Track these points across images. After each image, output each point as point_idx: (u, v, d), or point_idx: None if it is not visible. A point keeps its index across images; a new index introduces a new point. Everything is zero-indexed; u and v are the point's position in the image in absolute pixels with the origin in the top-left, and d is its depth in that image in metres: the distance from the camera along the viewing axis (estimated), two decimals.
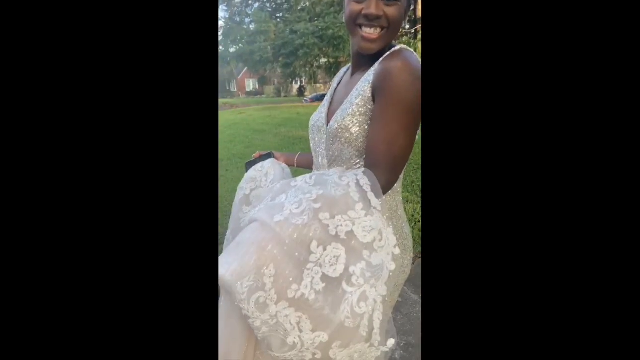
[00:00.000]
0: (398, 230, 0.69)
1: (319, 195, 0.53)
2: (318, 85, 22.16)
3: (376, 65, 0.63)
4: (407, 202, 2.65)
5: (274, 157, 0.86)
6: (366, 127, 0.63)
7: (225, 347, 0.57)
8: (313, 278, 0.49)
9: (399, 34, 0.68)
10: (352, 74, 0.73)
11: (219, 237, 0.59)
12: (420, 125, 0.60)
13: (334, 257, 0.50)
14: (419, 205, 2.57)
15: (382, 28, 0.62)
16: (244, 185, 0.77)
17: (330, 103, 0.75)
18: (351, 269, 0.49)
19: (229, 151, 5.12)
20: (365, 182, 0.55)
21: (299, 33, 13.19)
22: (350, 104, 0.64)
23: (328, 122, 0.71)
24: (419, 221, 2.34)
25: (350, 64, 0.77)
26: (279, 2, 17.11)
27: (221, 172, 4.02)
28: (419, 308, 1.61)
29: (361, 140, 0.64)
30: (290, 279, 0.49)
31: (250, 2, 17.26)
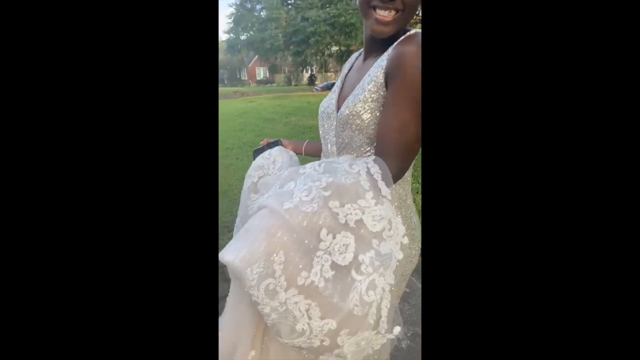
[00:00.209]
0: (406, 220, 0.68)
1: (328, 183, 0.52)
2: (329, 74, 21.91)
3: (390, 50, 0.61)
4: (417, 193, 2.62)
5: (281, 144, 0.85)
6: (378, 113, 0.62)
7: (234, 332, 0.58)
8: (322, 266, 0.49)
9: (413, 20, 0.65)
10: (365, 59, 0.71)
11: (229, 225, 0.59)
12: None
13: (344, 245, 0.49)
14: None
15: (397, 11, 0.60)
16: (251, 173, 0.77)
17: (341, 89, 0.74)
18: (360, 257, 0.49)
19: (239, 139, 5.13)
20: (375, 170, 0.54)
21: (310, 20, 12.99)
22: (362, 90, 0.63)
23: (338, 108, 0.70)
24: None
25: (362, 50, 0.75)
26: None
27: (231, 160, 4.04)
28: None
29: (372, 127, 0.63)
30: (300, 266, 0.49)
31: None
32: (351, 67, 0.78)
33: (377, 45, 0.67)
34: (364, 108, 0.62)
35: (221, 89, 22.23)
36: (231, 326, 0.58)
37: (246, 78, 33.35)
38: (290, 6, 15.72)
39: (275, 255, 0.49)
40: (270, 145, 0.84)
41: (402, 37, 0.60)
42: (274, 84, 28.21)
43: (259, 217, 0.53)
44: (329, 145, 0.72)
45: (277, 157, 0.77)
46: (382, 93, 0.61)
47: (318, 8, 13.30)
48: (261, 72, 32.70)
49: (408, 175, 0.68)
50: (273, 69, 28.19)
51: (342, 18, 12.43)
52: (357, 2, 0.63)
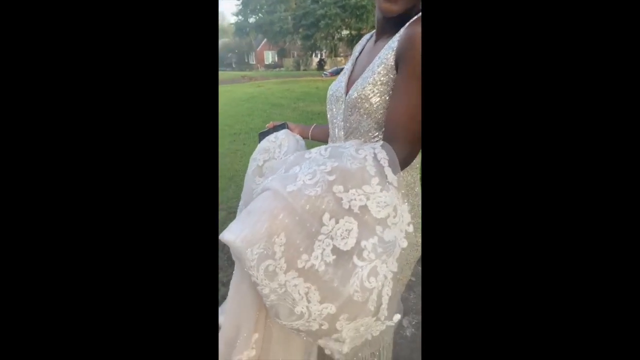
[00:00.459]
0: (414, 208, 0.66)
1: (333, 168, 0.51)
2: (339, 58, 21.58)
3: (401, 31, 0.58)
4: None
5: (288, 128, 0.83)
6: (387, 97, 0.60)
7: (236, 314, 0.58)
8: (324, 250, 0.48)
9: None
10: (376, 40, 0.68)
11: (235, 210, 0.58)
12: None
13: (346, 230, 0.48)
14: None
15: None
16: (256, 156, 0.76)
17: (351, 72, 0.71)
18: (363, 243, 0.48)
19: (246, 125, 5.12)
20: (382, 156, 0.53)
21: (320, 2, 12.72)
22: (371, 73, 0.60)
23: (347, 91, 0.68)
24: None
25: (373, 32, 0.72)
26: None
27: (238, 145, 4.04)
28: None
29: (381, 111, 0.61)
30: (301, 249, 0.48)
31: None
32: (362, 49, 0.75)
33: (388, 26, 0.64)
34: (373, 91, 0.60)
35: (229, 73, 22.15)
36: (234, 308, 0.58)
37: (254, 62, 33.04)
38: None
39: (276, 237, 0.48)
40: (277, 129, 0.82)
41: (415, 18, 0.57)
42: (282, 69, 27.92)
43: (262, 199, 0.52)
44: (337, 130, 0.70)
45: (283, 141, 0.76)
46: (392, 76, 0.58)
47: None
48: (270, 56, 32.33)
49: (417, 162, 0.66)
50: (282, 53, 27.88)
51: (353, 0, 12.12)
52: None
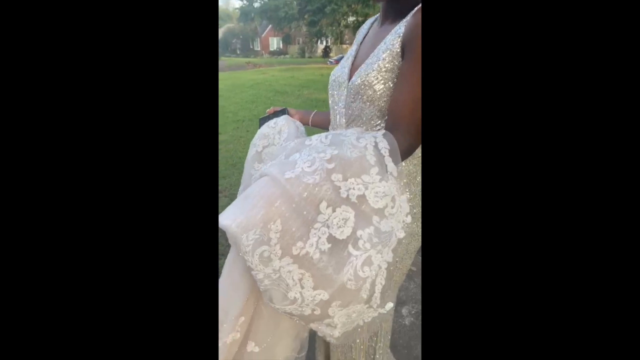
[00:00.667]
0: (415, 197, 0.65)
1: (333, 156, 0.50)
2: (344, 46, 21.24)
3: (409, 16, 0.56)
4: None
5: (288, 114, 0.82)
6: (391, 84, 0.58)
7: (226, 297, 0.58)
8: (319, 238, 0.48)
9: None
10: (381, 24, 0.66)
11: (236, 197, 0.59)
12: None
13: (343, 219, 0.48)
14: None
15: None
16: (256, 142, 0.75)
17: (355, 57, 0.69)
18: (359, 232, 0.48)
19: (250, 112, 5.09)
20: (384, 145, 0.52)
21: None
22: (376, 59, 0.59)
23: (350, 77, 0.66)
24: None
25: (378, 15, 0.70)
26: None
27: (241, 132, 4.02)
28: None
29: (384, 99, 0.59)
30: (296, 237, 0.48)
31: None
32: (366, 33, 0.73)
33: (393, 11, 0.62)
34: (377, 78, 0.59)
35: (233, 59, 21.93)
36: (223, 291, 0.59)
37: (259, 48, 32.64)
38: None
39: (272, 223, 0.48)
40: (277, 114, 0.81)
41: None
42: (287, 56, 27.57)
43: (259, 185, 0.52)
44: (338, 117, 0.69)
45: (283, 127, 0.75)
46: (397, 63, 0.57)
47: None
48: (274, 43, 31.90)
49: (419, 151, 0.65)
50: (287, 40, 27.50)
51: None
52: None
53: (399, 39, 0.56)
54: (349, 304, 0.50)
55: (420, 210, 0.66)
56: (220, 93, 6.84)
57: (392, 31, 0.58)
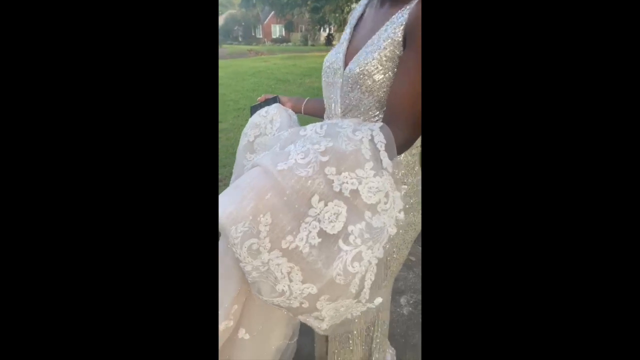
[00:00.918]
0: (413, 188, 0.65)
1: (327, 148, 0.49)
2: None
3: (412, 5, 0.54)
4: None
5: (279, 101, 0.80)
6: (391, 74, 0.56)
7: (220, 285, 0.58)
8: (310, 232, 0.48)
9: None
10: (381, 6, 0.62)
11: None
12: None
13: (334, 214, 0.48)
14: None
15: None
16: (247, 131, 0.74)
17: (350, 41, 0.66)
18: (350, 228, 0.48)
19: (251, 100, 5.05)
20: (380, 139, 0.51)
21: None
22: (376, 47, 0.57)
23: (346, 64, 0.63)
24: None
25: None
26: None
27: (242, 121, 4.00)
28: None
29: (384, 89, 0.58)
30: (286, 230, 0.48)
31: None
32: (361, 16, 0.69)
33: None
34: (377, 68, 0.56)
35: (235, 47, 21.64)
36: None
37: (261, 36, 32.17)
38: None
39: (262, 216, 0.48)
40: (268, 102, 0.80)
41: None
42: (290, 43, 27.20)
43: (251, 175, 0.51)
44: (333, 105, 0.67)
45: (275, 116, 0.73)
46: (398, 52, 0.55)
47: None
48: (277, 30, 31.42)
49: (418, 141, 0.63)
50: (289, 27, 27.09)
51: None
52: None
53: (402, 27, 0.54)
54: (337, 299, 0.50)
55: (418, 201, 0.66)
56: (221, 81, 6.77)
57: (394, 18, 0.56)
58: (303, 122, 0.66)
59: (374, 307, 0.53)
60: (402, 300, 1.44)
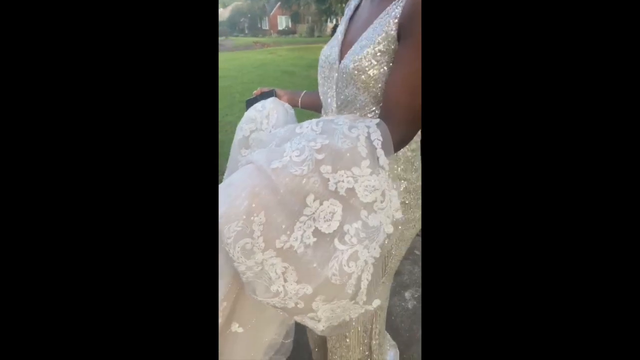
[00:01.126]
0: (412, 184, 0.63)
1: (323, 145, 0.48)
2: None
3: None
4: None
5: (276, 95, 0.78)
6: (386, 69, 0.54)
7: None
8: (304, 231, 0.47)
9: None
10: None
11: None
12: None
13: (330, 213, 0.47)
14: None
15: None
16: (243, 125, 0.72)
17: (344, 35, 0.64)
18: (346, 227, 0.47)
19: None
20: (377, 136, 0.49)
21: None
22: (369, 41, 0.55)
23: (341, 58, 0.61)
24: None
25: None
26: None
27: None
28: None
29: (380, 85, 0.56)
30: (281, 230, 0.47)
31: None
32: (356, 8, 0.67)
33: None
34: (371, 63, 0.55)
35: (241, 39, 21.59)
36: None
37: (267, 27, 31.96)
38: None
39: (255, 215, 0.46)
40: (264, 96, 0.78)
41: None
42: (296, 35, 26.98)
43: (244, 173, 0.50)
44: (329, 99, 0.65)
45: (271, 111, 0.71)
46: (393, 47, 0.53)
47: None
48: (283, 21, 31.17)
49: (417, 137, 0.62)
50: (295, 18, 26.86)
51: None
52: None
53: (395, 21, 0.52)
54: (333, 299, 0.49)
55: (418, 197, 0.64)
56: (227, 74, 6.76)
57: (387, 10, 0.54)
58: (300, 116, 0.64)
59: (372, 309, 0.52)
60: (407, 295, 1.43)
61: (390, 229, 0.48)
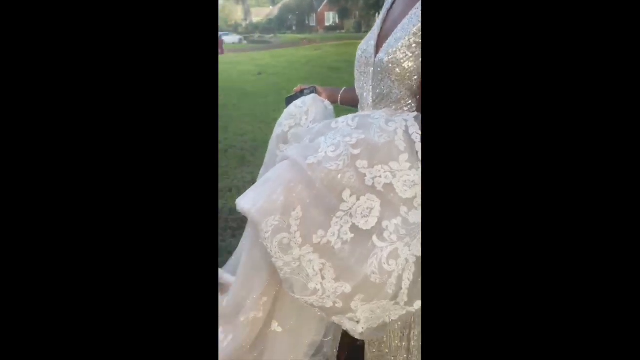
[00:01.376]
0: None
1: (359, 140, 0.48)
2: None
3: None
4: None
5: (316, 92, 0.79)
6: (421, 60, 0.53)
7: (249, 275, 0.58)
8: (342, 227, 0.46)
9: None
10: None
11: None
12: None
13: (367, 208, 0.46)
14: None
15: None
16: (282, 121, 0.73)
17: (381, 28, 0.62)
18: (384, 223, 0.46)
19: None
20: (415, 130, 0.48)
21: None
22: (404, 33, 0.53)
23: (377, 52, 0.60)
24: None
25: None
26: None
27: None
28: None
29: (415, 77, 0.54)
30: (317, 224, 0.47)
31: None
32: (393, 1, 0.65)
33: None
34: (406, 55, 0.53)
35: (288, 36, 21.92)
36: (246, 270, 0.58)
37: (315, 24, 32.13)
38: None
39: (292, 210, 0.47)
40: (305, 93, 0.79)
41: None
42: (343, 31, 26.80)
43: (280, 169, 0.51)
44: (365, 94, 0.64)
45: (310, 108, 0.72)
46: None
47: None
48: (330, 17, 31.11)
49: None
50: (343, 14, 26.67)
51: None
52: None
53: None
54: (372, 299, 0.48)
55: None
56: (274, 70, 6.92)
57: (422, 1, 0.52)
58: (339, 113, 0.65)
59: (413, 310, 0.50)
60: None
61: None
